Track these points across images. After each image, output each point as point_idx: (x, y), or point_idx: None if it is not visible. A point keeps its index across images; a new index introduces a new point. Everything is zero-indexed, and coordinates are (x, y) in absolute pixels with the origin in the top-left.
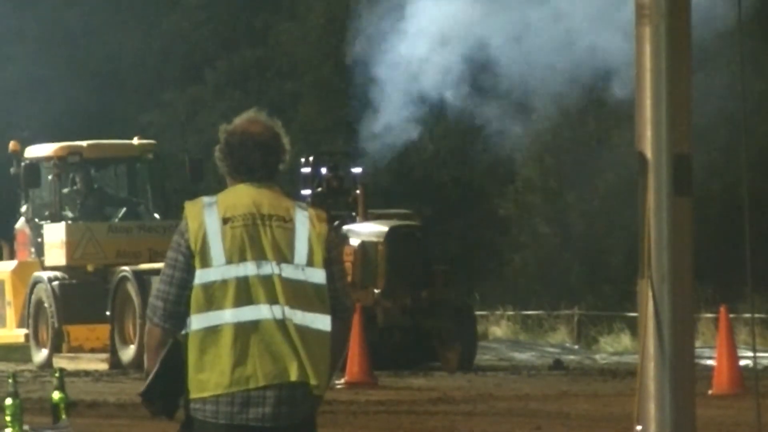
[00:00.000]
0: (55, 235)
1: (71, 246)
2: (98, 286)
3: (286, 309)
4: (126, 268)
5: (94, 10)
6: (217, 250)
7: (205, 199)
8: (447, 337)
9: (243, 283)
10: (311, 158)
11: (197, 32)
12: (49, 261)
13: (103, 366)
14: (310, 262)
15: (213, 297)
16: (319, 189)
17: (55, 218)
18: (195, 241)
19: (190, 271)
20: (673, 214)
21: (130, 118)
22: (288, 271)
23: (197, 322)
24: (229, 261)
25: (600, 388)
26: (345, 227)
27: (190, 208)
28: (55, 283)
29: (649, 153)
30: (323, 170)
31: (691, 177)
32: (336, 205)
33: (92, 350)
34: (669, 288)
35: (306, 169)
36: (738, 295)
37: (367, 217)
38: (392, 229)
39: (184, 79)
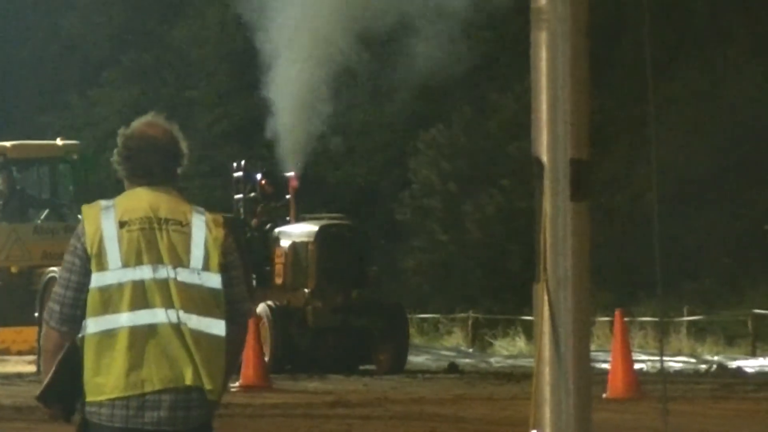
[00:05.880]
0: None
1: None
2: (24, 288)
3: (181, 313)
4: (54, 268)
5: None
6: (113, 253)
7: (103, 202)
8: (379, 338)
9: (139, 286)
10: (243, 162)
11: (94, 34)
12: None
13: (31, 368)
14: (206, 267)
15: (109, 300)
16: (252, 194)
17: None
18: (91, 244)
19: (86, 275)
20: (570, 220)
21: (27, 120)
22: (183, 275)
23: (93, 325)
24: (126, 265)
25: (495, 391)
26: (277, 229)
27: (87, 211)
28: None
29: (545, 158)
30: (258, 175)
31: (589, 182)
32: (269, 208)
33: (19, 353)
34: (565, 292)
35: (238, 174)
36: (632, 300)
37: (299, 220)
38: (322, 229)
39: (81, 82)
